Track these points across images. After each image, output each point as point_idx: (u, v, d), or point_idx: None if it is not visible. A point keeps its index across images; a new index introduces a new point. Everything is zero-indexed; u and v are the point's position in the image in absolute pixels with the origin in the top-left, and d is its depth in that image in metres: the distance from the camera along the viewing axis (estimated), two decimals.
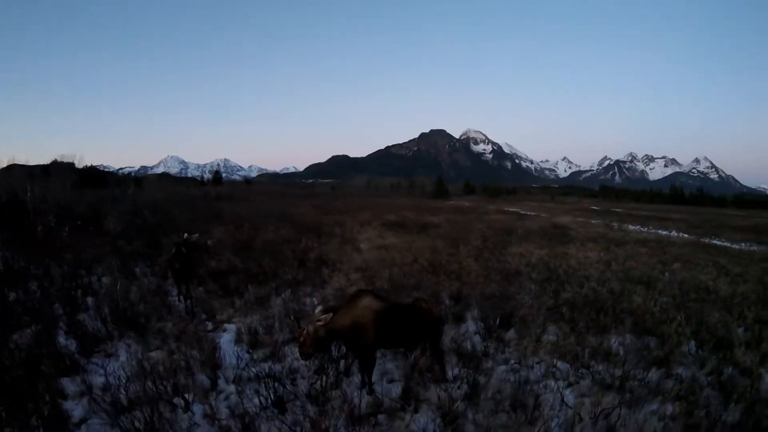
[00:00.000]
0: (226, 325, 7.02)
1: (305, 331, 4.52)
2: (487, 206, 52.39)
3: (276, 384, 4.75)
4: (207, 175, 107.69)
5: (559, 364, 5.90)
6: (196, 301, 7.72)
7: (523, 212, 43.42)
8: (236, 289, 8.55)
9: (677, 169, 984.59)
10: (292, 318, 5.48)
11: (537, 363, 5.89)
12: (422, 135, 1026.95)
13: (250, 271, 9.86)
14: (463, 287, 9.21)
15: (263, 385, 4.75)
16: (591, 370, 5.70)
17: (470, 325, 7.31)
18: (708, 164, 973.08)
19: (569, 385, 5.36)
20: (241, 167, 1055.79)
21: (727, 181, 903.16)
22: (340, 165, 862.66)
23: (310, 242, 14.08)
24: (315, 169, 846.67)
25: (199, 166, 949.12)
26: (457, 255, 13.37)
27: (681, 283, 10.87)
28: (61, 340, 5.98)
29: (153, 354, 5.78)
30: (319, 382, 4.82)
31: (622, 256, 14.98)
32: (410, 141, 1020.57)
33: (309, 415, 4.29)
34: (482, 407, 4.63)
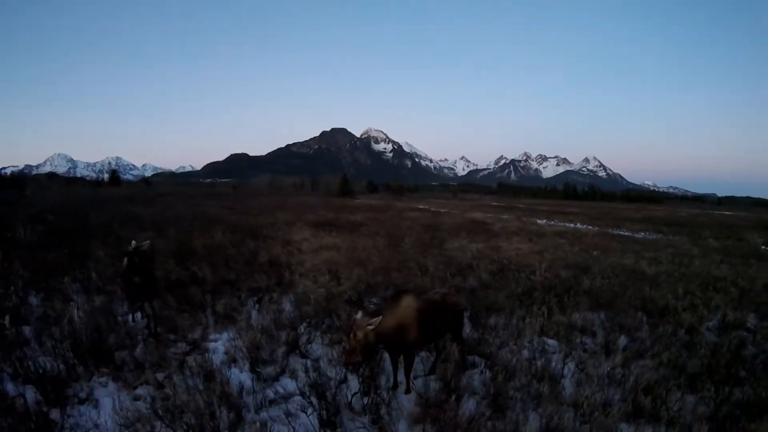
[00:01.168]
0: (208, 344, 6.36)
1: (355, 338, 4.48)
2: (396, 204, 53.86)
3: (319, 401, 4.58)
4: (99, 175, 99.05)
5: (549, 341, 6.92)
6: (159, 319, 6.96)
7: (434, 209, 45.39)
8: (200, 301, 7.86)
9: (568, 168, 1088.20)
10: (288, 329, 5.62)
11: (529, 342, 6.73)
12: (323, 133, 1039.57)
13: (208, 280, 9.19)
14: (433, 282, 9.77)
15: (294, 405, 4.72)
16: (579, 341, 6.83)
17: None
18: (597, 163, 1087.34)
19: (566, 355, 6.26)
20: (134, 166, 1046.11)
21: (614, 178, 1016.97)
22: (239, 164, 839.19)
23: (251, 246, 13.59)
24: (213, 168, 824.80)
25: (88, 164, 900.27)
26: (403, 252, 13.96)
27: (612, 268, 12.43)
28: (9, 389, 4.85)
29: (140, 391, 5.02)
30: (371, 391, 4.90)
31: (549, 247, 16.63)
32: (311, 139, 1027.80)
33: (366, 427, 4.43)
34: (515, 384, 5.27)
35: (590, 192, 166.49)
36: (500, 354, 5.99)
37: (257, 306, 7.94)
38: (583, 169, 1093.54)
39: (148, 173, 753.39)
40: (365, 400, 4.79)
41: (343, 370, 5.29)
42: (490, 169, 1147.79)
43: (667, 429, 4.59)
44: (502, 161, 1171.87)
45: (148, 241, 7.30)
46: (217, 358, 5.85)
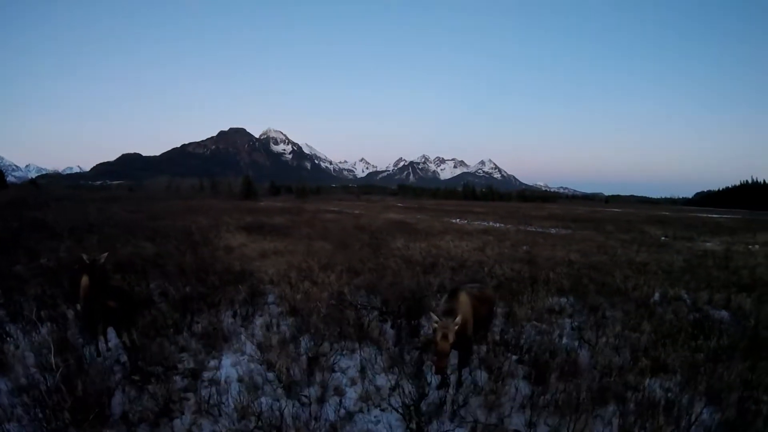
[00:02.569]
0: (210, 374, 5.45)
1: (446, 340, 4.42)
2: (305, 207, 53.36)
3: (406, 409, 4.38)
4: None
5: (538, 325, 7.64)
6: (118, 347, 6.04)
7: (348, 211, 45.54)
8: (173, 322, 6.92)
9: (465, 170, 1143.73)
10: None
11: (523, 328, 7.31)
12: (221, 133, 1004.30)
13: (171, 296, 8.17)
14: (418, 281, 9.83)
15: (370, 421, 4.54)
16: (562, 322, 7.84)
17: None
18: (492, 165, 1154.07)
19: (560, 335, 7.02)
20: (17, 167, 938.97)
21: (508, 179, 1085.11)
22: (131, 164, 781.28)
23: (200, 254, 12.65)
24: (104, 169, 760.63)
25: None
26: (357, 254, 13.87)
27: (552, 260, 13.64)
28: None
29: None
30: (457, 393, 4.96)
31: (484, 244, 17.73)
32: (208, 139, 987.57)
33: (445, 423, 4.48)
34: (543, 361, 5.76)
35: (488, 192, 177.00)
36: (516, 340, 6.43)
37: (242, 321, 7.36)
38: (480, 170, 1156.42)
39: (33, 174, 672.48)
40: (441, 398, 4.87)
41: (395, 377, 5.24)
42: (389, 170, 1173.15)
43: (677, 377, 5.62)
44: (401, 163, 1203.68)
45: (105, 254, 6.26)
46: (235, 389, 5.03)
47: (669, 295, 9.82)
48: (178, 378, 5.28)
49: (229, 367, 5.66)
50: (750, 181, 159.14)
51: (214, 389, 4.92)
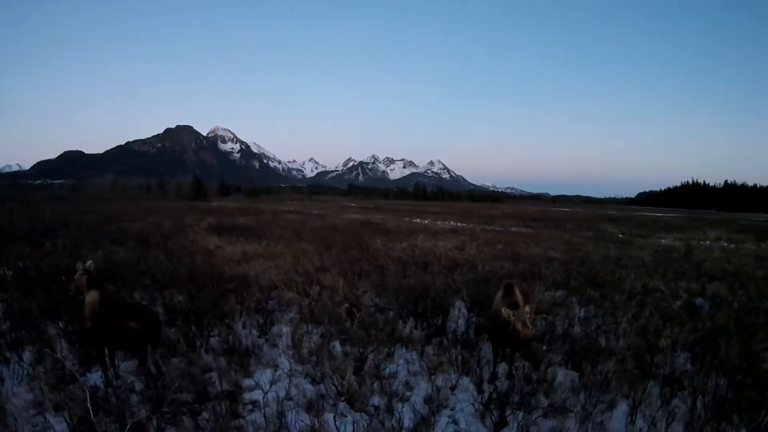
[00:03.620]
0: (248, 395, 5.00)
1: (526, 328, 4.68)
2: (259, 206, 52.69)
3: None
4: None
5: (546, 316, 7.98)
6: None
7: (307, 211, 45.27)
8: (186, 337, 6.31)
9: (414, 170, 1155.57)
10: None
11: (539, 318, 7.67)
12: (167, 131, 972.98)
13: (180, 306, 7.41)
14: (434, 279, 10.13)
15: None
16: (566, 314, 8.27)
17: (460, 306, 8.44)
18: (441, 166, 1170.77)
19: (570, 325, 7.39)
20: None
21: (457, 179, 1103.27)
22: (74, 162, 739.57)
23: (188, 261, 11.69)
24: (44, 168, 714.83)
25: None
26: (345, 255, 13.60)
27: (532, 257, 14.18)
28: None
29: None
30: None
31: (460, 243, 18.10)
32: (154, 137, 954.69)
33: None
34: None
35: (439, 193, 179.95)
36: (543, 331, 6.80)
37: (259, 332, 6.90)
38: (429, 171, 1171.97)
39: None
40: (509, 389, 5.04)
41: (454, 378, 5.39)
42: (338, 170, 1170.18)
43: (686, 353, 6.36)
44: (351, 163, 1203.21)
45: (90, 262, 5.26)
46: (289, 410, 4.57)
47: (650, 286, 10.57)
48: (211, 405, 4.64)
49: (268, 384, 5.10)
50: (690, 182, 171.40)
51: (262, 413, 4.45)
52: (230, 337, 6.37)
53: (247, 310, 7.70)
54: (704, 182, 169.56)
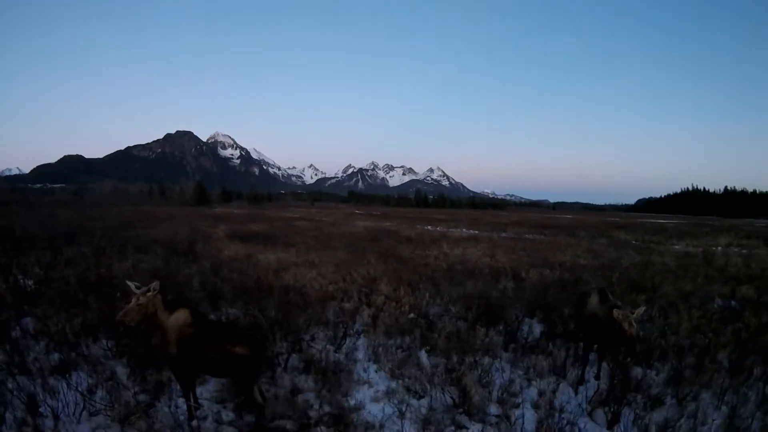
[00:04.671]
0: (357, 415, 4.77)
1: (632, 327, 4.91)
2: (265, 213, 52.73)
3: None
4: None
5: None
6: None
7: (317, 219, 45.30)
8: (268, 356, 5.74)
9: (414, 177, 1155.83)
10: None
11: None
12: (167, 136, 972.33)
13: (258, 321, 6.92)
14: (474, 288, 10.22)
15: None
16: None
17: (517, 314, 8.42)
18: (441, 173, 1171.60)
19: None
20: None
21: (456, 187, 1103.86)
22: (74, 167, 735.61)
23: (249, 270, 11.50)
24: (43, 171, 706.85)
25: None
26: (383, 263, 13.66)
27: (564, 264, 14.43)
28: None
29: None
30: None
31: (492, 250, 18.20)
32: (154, 142, 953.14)
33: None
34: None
35: (440, 200, 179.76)
36: None
37: (336, 347, 6.61)
38: (428, 178, 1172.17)
39: None
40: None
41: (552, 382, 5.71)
42: (338, 177, 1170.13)
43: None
44: (350, 170, 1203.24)
45: (157, 282, 4.43)
46: (410, 429, 4.56)
47: (685, 290, 10.81)
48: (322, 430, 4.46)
49: (371, 403, 4.96)
50: (691, 188, 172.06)
51: None
52: (311, 353, 6.08)
53: (316, 323, 7.31)
54: (704, 188, 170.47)
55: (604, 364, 6.01)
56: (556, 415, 4.75)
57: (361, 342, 6.94)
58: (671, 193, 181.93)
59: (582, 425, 4.53)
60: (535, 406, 5.05)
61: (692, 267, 14.94)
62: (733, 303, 9.76)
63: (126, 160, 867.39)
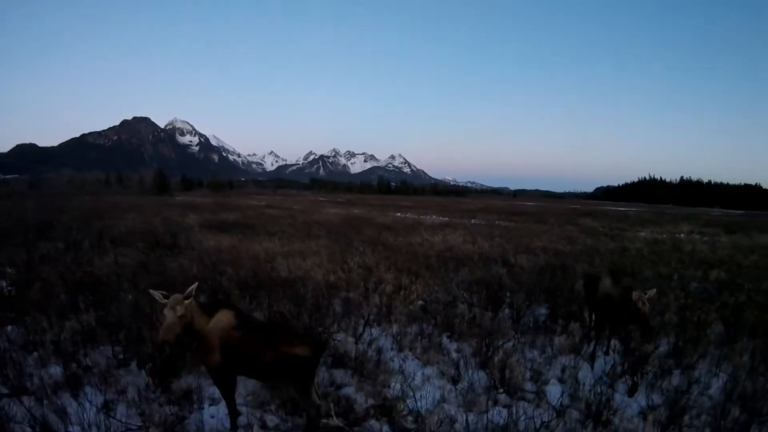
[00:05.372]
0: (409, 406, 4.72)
1: (645, 305, 5.36)
2: (231, 201, 51.65)
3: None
4: None
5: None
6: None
7: (285, 206, 44.64)
8: None
9: (375, 164, 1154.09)
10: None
11: None
12: (124, 122, 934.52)
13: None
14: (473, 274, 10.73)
15: None
16: None
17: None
18: (402, 160, 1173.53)
19: None
20: None
21: (418, 174, 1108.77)
22: (27, 156, 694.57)
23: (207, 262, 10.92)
24: None
25: None
26: (374, 251, 13.74)
27: (546, 250, 15.13)
28: None
29: None
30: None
31: (471, 237, 18.67)
32: (110, 129, 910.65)
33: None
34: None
35: (402, 187, 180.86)
36: None
37: (356, 339, 6.43)
38: (390, 165, 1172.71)
39: None
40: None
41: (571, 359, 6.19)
42: (299, 164, 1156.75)
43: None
44: (312, 157, 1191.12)
45: (194, 284, 4.05)
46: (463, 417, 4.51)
47: (663, 274, 11.70)
48: (372, 424, 4.40)
49: (409, 391, 4.96)
50: (648, 178, 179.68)
51: (428, 422, 4.34)
52: (334, 346, 5.95)
53: (333, 315, 7.17)
54: (661, 178, 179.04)
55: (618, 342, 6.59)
56: (582, 388, 5.17)
57: (377, 332, 6.92)
58: (629, 182, 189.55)
59: (609, 395, 4.86)
60: (561, 382, 5.45)
61: (664, 253, 16.06)
62: (707, 286, 10.51)
63: (82, 148, 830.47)
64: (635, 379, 5.30)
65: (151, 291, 3.98)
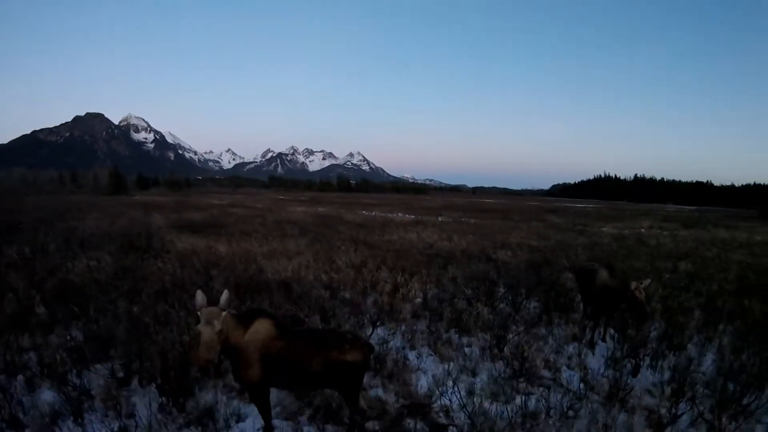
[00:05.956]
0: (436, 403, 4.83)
1: (641, 294, 5.92)
2: (192, 201, 50.68)
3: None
4: None
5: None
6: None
7: (249, 205, 44.21)
8: None
9: (334, 162, 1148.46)
10: None
11: None
12: (76, 119, 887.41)
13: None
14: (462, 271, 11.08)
15: None
16: None
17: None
18: (361, 157, 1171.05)
19: None
20: None
21: (377, 171, 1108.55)
22: None
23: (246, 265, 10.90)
24: None
25: None
26: (355, 250, 13.95)
27: (521, 246, 15.68)
28: None
29: None
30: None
31: (447, 234, 19.11)
32: (62, 125, 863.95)
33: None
34: None
35: (363, 184, 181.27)
36: None
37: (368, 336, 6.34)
38: (348, 162, 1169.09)
39: None
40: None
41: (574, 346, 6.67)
42: (257, 162, 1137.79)
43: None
44: (269, 154, 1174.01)
45: (226, 291, 3.72)
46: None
47: (636, 267, 12.39)
48: (409, 423, 4.44)
49: (435, 387, 5.06)
50: (603, 175, 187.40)
51: (460, 415, 4.54)
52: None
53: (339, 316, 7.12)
54: (616, 176, 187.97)
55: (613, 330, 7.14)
56: (592, 372, 5.55)
57: (383, 331, 6.85)
58: (585, 180, 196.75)
59: (619, 377, 5.22)
60: (570, 368, 5.83)
61: (632, 247, 16.92)
62: (677, 276, 11.37)
63: (32, 145, 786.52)
64: (637, 361, 5.76)
65: (198, 297, 3.61)
